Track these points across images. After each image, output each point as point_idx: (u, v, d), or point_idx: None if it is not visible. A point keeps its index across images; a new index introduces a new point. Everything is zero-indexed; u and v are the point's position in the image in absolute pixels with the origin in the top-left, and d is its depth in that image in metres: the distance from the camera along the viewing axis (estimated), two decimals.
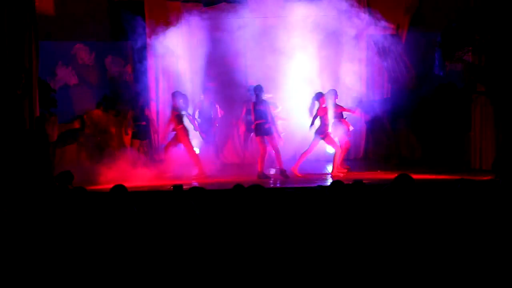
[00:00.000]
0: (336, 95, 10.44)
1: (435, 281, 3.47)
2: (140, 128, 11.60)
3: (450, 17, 10.00)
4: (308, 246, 3.65)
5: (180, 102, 10.36)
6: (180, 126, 10.24)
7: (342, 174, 9.96)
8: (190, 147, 10.35)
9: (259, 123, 10.04)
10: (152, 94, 12.44)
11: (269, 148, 10.19)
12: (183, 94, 10.58)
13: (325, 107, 10.16)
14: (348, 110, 10.59)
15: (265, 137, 10.07)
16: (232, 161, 12.18)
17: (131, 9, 12.52)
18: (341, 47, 11.94)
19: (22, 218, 4.16)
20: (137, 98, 11.88)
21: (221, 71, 11.83)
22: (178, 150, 10.71)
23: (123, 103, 12.20)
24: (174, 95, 10.45)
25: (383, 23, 11.97)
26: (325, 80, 11.52)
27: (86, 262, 3.65)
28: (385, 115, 11.69)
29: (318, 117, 10.16)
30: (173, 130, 10.35)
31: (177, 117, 10.28)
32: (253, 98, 10.27)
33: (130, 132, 11.74)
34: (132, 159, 10.66)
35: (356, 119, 11.54)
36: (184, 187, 8.66)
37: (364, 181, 8.50)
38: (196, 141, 11.00)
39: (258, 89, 10.22)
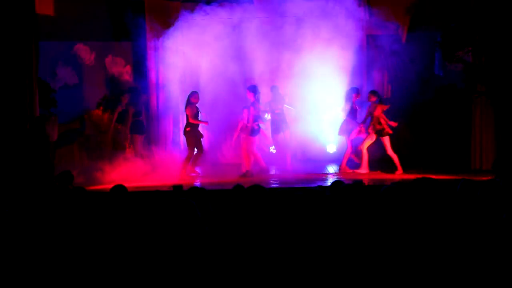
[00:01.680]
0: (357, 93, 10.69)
1: (435, 281, 3.47)
2: (140, 123, 11.48)
3: (450, 17, 9.99)
4: (308, 247, 3.65)
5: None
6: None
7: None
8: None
9: (258, 124, 10.19)
10: (153, 94, 12.43)
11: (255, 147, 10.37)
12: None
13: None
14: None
15: (257, 137, 10.32)
16: (231, 161, 12.15)
17: (131, 9, 12.51)
18: (341, 46, 11.93)
19: (22, 218, 4.16)
20: (138, 95, 11.78)
21: (222, 70, 11.81)
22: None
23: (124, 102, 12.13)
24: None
25: (383, 23, 11.96)
26: (325, 80, 11.52)
27: (86, 262, 3.65)
28: (385, 115, 11.68)
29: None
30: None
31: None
32: (253, 99, 10.31)
33: (128, 130, 11.66)
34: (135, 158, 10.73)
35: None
36: (184, 187, 8.69)
37: (364, 182, 8.59)
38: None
39: (255, 90, 10.34)
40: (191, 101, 10.48)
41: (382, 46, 12.21)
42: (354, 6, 11.99)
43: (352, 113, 10.60)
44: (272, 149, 11.30)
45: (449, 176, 9.38)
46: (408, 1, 12.32)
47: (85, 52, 12.83)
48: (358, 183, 8.38)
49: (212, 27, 11.97)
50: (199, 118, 10.60)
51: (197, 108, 10.54)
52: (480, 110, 10.42)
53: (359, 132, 10.43)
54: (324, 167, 11.27)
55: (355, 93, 10.61)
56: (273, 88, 11.27)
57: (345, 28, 11.95)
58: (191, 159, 10.42)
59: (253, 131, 10.28)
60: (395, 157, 10.09)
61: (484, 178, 8.22)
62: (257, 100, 10.40)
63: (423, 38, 12.06)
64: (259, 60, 11.85)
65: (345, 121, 10.60)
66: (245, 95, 10.73)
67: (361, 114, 10.64)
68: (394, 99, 12.13)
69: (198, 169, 10.90)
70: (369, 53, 12.26)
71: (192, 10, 12.29)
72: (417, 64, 12.42)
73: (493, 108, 10.20)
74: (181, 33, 12.30)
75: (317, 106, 11.43)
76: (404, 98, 12.06)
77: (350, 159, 10.71)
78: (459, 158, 11.66)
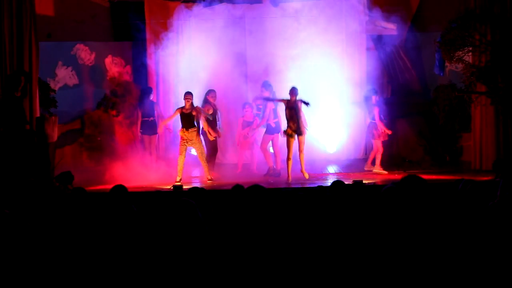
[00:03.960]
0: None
1: (435, 282, 3.47)
2: (148, 124, 11.38)
3: (450, 17, 9.99)
4: (309, 246, 3.65)
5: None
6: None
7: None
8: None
9: (276, 121, 10.13)
10: (153, 94, 12.41)
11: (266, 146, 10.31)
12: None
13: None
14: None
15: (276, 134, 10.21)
16: (231, 161, 12.13)
17: (131, 10, 12.51)
18: (341, 46, 11.94)
19: (22, 219, 4.16)
20: (145, 95, 11.73)
21: (222, 71, 11.82)
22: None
23: (127, 103, 12.08)
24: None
25: (383, 23, 11.96)
26: (326, 80, 11.51)
27: (86, 263, 3.65)
28: (386, 115, 11.68)
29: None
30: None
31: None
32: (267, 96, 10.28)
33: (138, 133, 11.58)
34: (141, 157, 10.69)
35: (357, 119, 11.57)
36: (184, 187, 8.69)
37: (364, 182, 8.59)
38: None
39: (269, 86, 10.31)
40: (208, 100, 10.24)
41: (382, 46, 12.21)
42: (355, 6, 12.00)
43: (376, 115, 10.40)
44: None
45: (449, 176, 9.38)
46: (409, 1, 12.31)
47: (85, 53, 12.83)
48: (358, 183, 8.43)
49: (212, 26, 11.97)
50: (217, 117, 10.40)
51: (213, 108, 10.30)
52: (480, 110, 10.41)
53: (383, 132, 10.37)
54: (324, 167, 11.26)
55: (374, 95, 10.43)
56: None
57: (346, 27, 11.96)
58: (214, 158, 10.33)
59: (269, 128, 10.21)
60: (303, 159, 9.69)
61: (484, 178, 8.23)
62: (271, 96, 10.32)
63: (423, 38, 12.05)
64: (259, 58, 11.84)
65: (373, 124, 10.33)
66: (260, 92, 10.65)
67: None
68: (394, 99, 12.12)
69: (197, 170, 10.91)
70: (370, 53, 12.25)
71: (192, 9, 12.30)
72: (417, 64, 12.42)
73: (493, 108, 10.19)
74: (181, 32, 12.31)
75: (317, 105, 11.39)
76: (404, 98, 12.05)
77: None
78: (459, 158, 11.66)
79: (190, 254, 3.45)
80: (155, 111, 11.34)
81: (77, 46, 12.78)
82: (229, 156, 12.21)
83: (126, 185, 5.56)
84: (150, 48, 12.33)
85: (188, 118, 9.71)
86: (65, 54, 12.69)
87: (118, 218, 4.10)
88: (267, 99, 10.17)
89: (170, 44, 11.87)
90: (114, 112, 12.43)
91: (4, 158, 9.10)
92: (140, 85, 12.30)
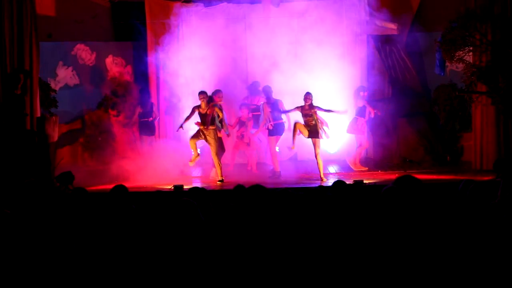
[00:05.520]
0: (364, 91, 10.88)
1: (436, 282, 3.46)
2: (147, 125, 11.48)
3: (451, 17, 9.98)
4: (309, 246, 3.65)
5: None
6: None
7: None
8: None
9: (278, 123, 10.14)
10: (153, 94, 12.43)
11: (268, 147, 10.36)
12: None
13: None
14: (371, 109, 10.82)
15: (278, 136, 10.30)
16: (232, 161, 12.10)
17: (131, 9, 12.51)
18: (342, 46, 11.93)
19: (23, 219, 4.15)
20: (145, 96, 11.81)
21: (222, 72, 11.81)
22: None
23: (128, 103, 12.13)
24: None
25: (384, 23, 11.96)
26: (327, 80, 11.50)
27: (87, 263, 3.65)
28: (386, 115, 11.68)
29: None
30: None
31: None
32: (267, 99, 10.33)
33: (136, 130, 11.67)
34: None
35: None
36: (184, 187, 8.68)
37: (364, 182, 8.59)
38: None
39: (270, 90, 10.41)
40: (214, 100, 10.09)
41: (383, 46, 12.19)
42: (356, 6, 11.99)
43: (360, 111, 10.70)
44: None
45: (450, 176, 9.38)
46: (410, 2, 12.30)
47: (85, 53, 12.83)
48: (358, 183, 8.42)
49: (213, 25, 11.97)
50: (223, 118, 10.40)
51: (219, 108, 10.08)
52: (481, 110, 10.40)
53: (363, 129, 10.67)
54: (325, 167, 11.23)
55: (362, 91, 10.78)
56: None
57: (347, 28, 11.95)
58: (220, 158, 10.30)
59: (270, 131, 10.24)
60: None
61: (485, 178, 8.23)
62: (269, 99, 10.35)
63: (424, 38, 12.05)
64: (259, 58, 11.83)
65: (354, 119, 10.72)
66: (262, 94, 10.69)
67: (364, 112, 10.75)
68: (395, 99, 12.10)
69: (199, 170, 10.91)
70: (370, 53, 12.24)
71: (192, 9, 12.30)
72: (418, 64, 12.41)
73: (493, 108, 10.19)
74: (181, 32, 12.30)
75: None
76: (405, 98, 12.04)
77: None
78: (460, 158, 11.65)
79: (191, 254, 3.45)
80: (153, 112, 11.44)
81: (78, 46, 12.78)
82: (228, 156, 12.18)
83: (126, 185, 5.56)
84: (151, 48, 12.33)
85: (205, 118, 9.72)
86: (65, 54, 12.70)
87: (119, 218, 4.10)
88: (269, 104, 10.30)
89: (170, 43, 11.87)
90: (114, 112, 12.43)
91: (4, 158, 9.10)
92: (140, 85, 12.32)
